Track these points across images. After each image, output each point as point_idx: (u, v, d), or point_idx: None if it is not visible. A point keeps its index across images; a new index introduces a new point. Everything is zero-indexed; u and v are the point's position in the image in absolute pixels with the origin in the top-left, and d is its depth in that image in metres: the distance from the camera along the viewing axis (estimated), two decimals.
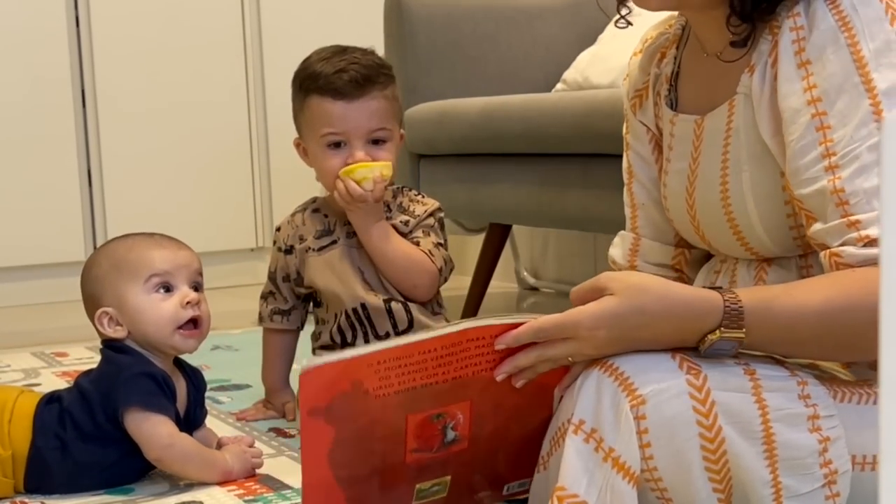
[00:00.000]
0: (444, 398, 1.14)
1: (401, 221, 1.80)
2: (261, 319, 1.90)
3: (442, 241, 1.83)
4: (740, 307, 1.07)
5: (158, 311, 1.49)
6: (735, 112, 1.24)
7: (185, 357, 1.57)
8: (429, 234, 1.82)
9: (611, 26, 2.52)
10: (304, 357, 1.39)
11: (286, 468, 1.58)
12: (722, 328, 1.06)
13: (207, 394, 1.62)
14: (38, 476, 1.49)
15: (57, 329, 2.72)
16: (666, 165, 1.37)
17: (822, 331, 1.08)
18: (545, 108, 2.17)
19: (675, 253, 1.42)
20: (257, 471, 1.56)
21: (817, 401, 1.10)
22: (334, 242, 1.82)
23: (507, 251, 3.09)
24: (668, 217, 1.38)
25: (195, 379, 1.58)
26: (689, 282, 1.40)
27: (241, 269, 3.39)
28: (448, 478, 1.22)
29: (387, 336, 1.75)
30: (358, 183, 1.71)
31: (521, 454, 1.23)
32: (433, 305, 1.83)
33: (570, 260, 3.21)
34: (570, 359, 1.10)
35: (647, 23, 1.44)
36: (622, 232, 1.46)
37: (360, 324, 1.78)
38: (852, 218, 1.10)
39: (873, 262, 1.07)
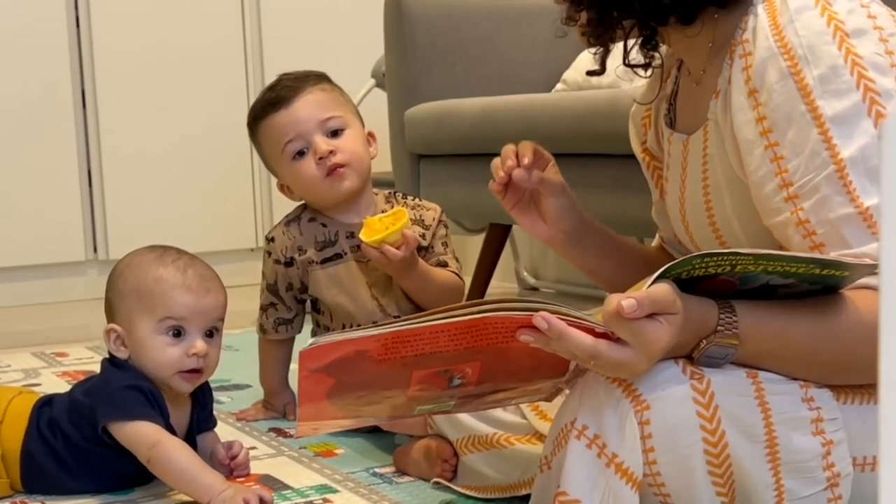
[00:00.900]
0: (453, 360, 1.12)
1: (419, 235, 1.78)
2: (264, 332, 1.88)
3: (453, 248, 1.84)
4: (734, 313, 1.06)
5: (162, 355, 1.46)
6: (709, 138, 1.24)
7: None
8: (446, 246, 1.83)
9: None
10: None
11: (286, 468, 1.58)
12: (717, 334, 1.05)
13: None
14: (33, 476, 1.49)
15: (57, 329, 2.72)
16: (664, 185, 1.38)
17: (814, 344, 1.07)
18: (545, 108, 2.16)
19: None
20: (257, 471, 1.56)
21: (821, 404, 1.09)
22: (339, 256, 1.80)
23: (507, 251, 3.09)
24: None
25: (200, 397, 1.55)
26: None
27: (241, 269, 3.38)
28: (452, 402, 1.20)
29: None
30: (392, 246, 1.67)
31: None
32: None
33: None
34: (592, 363, 1.05)
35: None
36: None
37: None
38: (822, 249, 1.10)
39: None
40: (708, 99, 1.24)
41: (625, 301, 0.99)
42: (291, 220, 1.85)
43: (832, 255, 1.08)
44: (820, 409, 1.09)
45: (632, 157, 1.50)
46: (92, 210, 3.36)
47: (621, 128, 1.50)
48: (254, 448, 1.68)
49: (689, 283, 1.04)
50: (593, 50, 1.31)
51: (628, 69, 1.31)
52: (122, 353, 1.49)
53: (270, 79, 3.52)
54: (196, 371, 1.48)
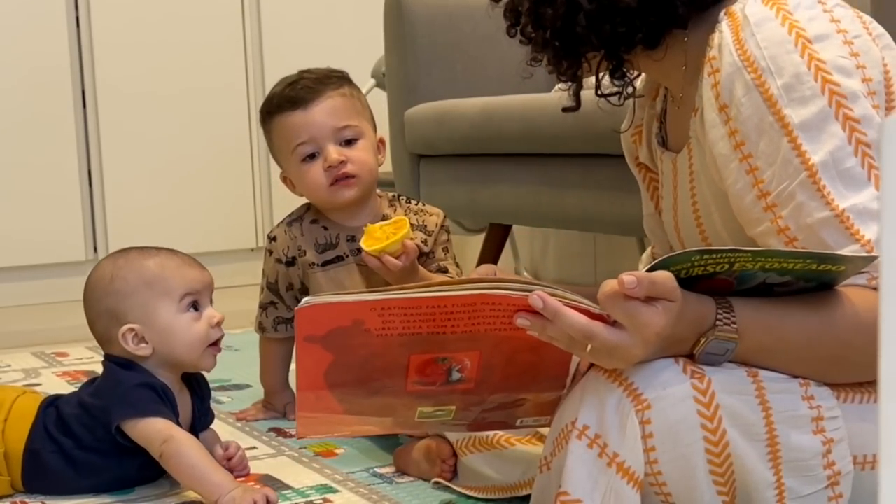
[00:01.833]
0: (452, 346, 1.11)
1: (421, 241, 1.79)
2: (263, 330, 1.89)
3: (454, 253, 1.84)
4: (731, 309, 1.06)
5: (191, 332, 1.49)
6: (693, 155, 1.26)
7: None
8: (447, 251, 1.83)
9: None
10: None
11: (286, 468, 1.58)
12: (716, 329, 1.05)
13: None
14: (35, 476, 1.49)
15: (57, 329, 2.72)
16: (660, 202, 1.39)
17: (811, 336, 1.08)
18: (545, 108, 2.16)
19: None
20: (257, 471, 1.56)
21: (821, 402, 1.09)
22: (340, 259, 1.81)
23: (507, 251, 3.09)
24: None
25: (199, 389, 1.57)
26: None
27: (241, 269, 3.38)
28: (453, 407, 1.20)
29: None
30: (392, 255, 1.67)
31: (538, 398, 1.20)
32: None
33: (570, 260, 3.21)
34: (588, 348, 1.04)
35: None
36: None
37: None
38: None
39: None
40: (689, 117, 1.25)
41: (626, 276, 0.99)
42: (294, 220, 1.85)
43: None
44: (820, 407, 1.09)
45: None
46: (92, 210, 3.36)
47: (621, 128, 1.50)
48: (254, 448, 1.68)
49: (686, 284, 1.04)
50: (565, 86, 1.32)
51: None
52: (144, 351, 1.49)
53: (271, 79, 3.54)
54: (217, 343, 1.52)
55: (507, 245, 3.07)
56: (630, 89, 1.33)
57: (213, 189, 3.46)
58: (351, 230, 1.80)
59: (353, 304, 1.06)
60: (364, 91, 3.15)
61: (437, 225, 1.83)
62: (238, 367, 2.23)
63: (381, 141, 1.85)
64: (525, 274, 3.35)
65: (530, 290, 1.04)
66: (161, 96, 3.38)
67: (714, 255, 1.03)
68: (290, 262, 1.83)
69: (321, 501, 1.44)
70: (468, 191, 2.47)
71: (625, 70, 1.29)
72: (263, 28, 3.50)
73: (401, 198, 1.87)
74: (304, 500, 1.45)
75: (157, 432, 1.43)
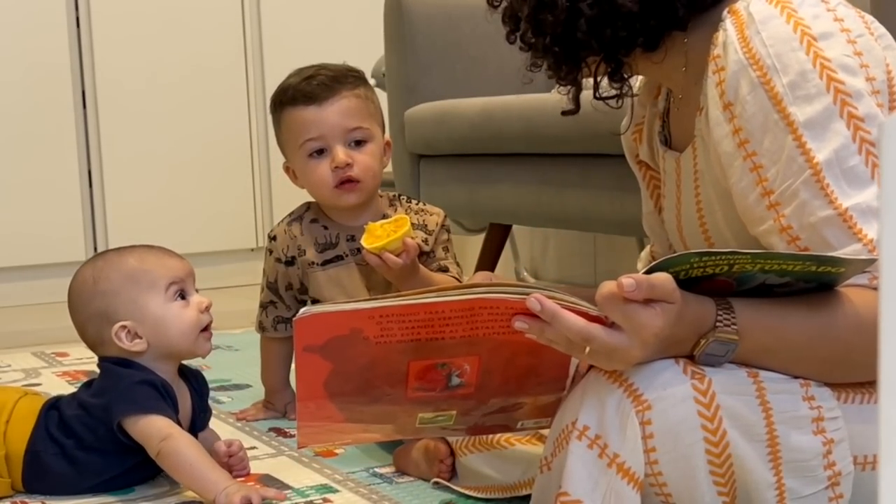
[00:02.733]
0: (451, 352, 1.11)
1: (421, 240, 1.78)
2: (263, 329, 1.89)
3: (454, 252, 1.84)
4: (732, 309, 1.06)
5: (183, 319, 1.50)
6: (697, 154, 1.25)
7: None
8: (447, 251, 1.82)
9: None
10: None
11: (286, 468, 1.58)
12: (716, 330, 1.05)
13: None
14: (36, 477, 1.49)
15: (57, 329, 2.71)
16: (661, 201, 1.39)
17: (811, 337, 1.07)
18: (545, 108, 2.16)
19: None
20: (258, 471, 1.56)
21: (822, 402, 1.09)
22: (339, 258, 1.80)
23: (507, 251, 3.09)
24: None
25: (197, 385, 1.57)
26: None
27: (241, 269, 3.38)
28: (454, 412, 1.20)
29: None
30: (393, 253, 1.66)
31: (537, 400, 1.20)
32: None
33: (570, 260, 3.21)
34: (586, 350, 1.04)
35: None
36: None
37: None
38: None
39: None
40: (694, 116, 1.25)
41: (625, 279, 0.99)
42: (294, 219, 1.85)
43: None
44: (821, 407, 1.09)
45: None
46: (92, 210, 3.36)
47: (621, 127, 1.50)
48: (254, 448, 1.68)
49: (686, 285, 1.04)
50: (564, 90, 1.32)
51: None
52: (138, 346, 1.49)
53: (271, 79, 3.55)
54: (209, 328, 1.53)
55: (507, 245, 3.07)
56: (627, 89, 1.33)
57: (214, 189, 3.46)
58: (351, 230, 1.79)
59: (351, 313, 1.06)
60: None
61: (437, 224, 1.83)
62: (238, 367, 2.23)
63: (388, 143, 1.84)
64: (525, 274, 3.34)
65: (528, 293, 1.04)
66: (161, 97, 3.38)
67: (713, 257, 1.02)
68: (290, 262, 1.83)
69: (321, 501, 1.44)
70: (468, 191, 2.47)
71: (623, 73, 1.29)
72: (263, 28, 3.50)
73: (401, 197, 1.87)
74: (304, 500, 1.45)
75: (156, 430, 1.43)
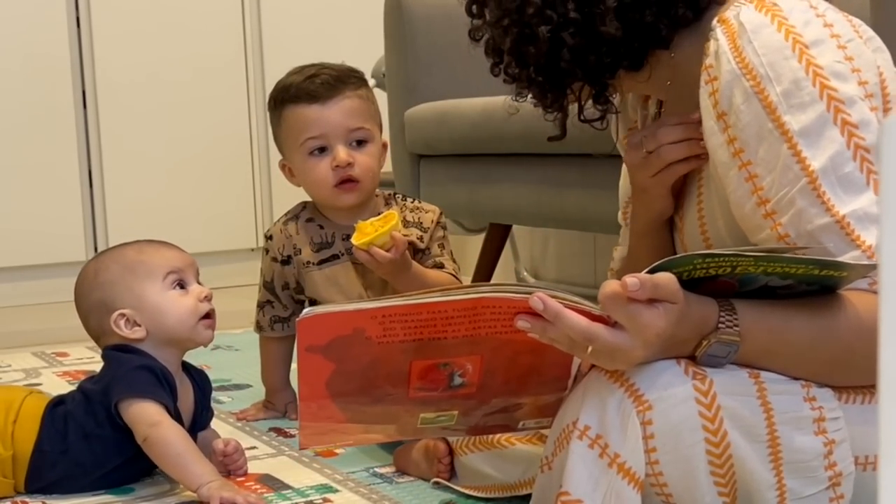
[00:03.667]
0: (453, 352, 1.11)
1: (416, 237, 1.79)
2: (260, 329, 1.89)
3: (450, 249, 1.84)
4: (734, 311, 1.06)
5: (180, 307, 1.52)
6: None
7: (186, 357, 1.57)
8: (443, 247, 1.82)
9: None
10: None
11: (286, 468, 1.58)
12: (718, 331, 1.05)
13: None
14: (39, 477, 1.49)
15: (57, 329, 2.72)
16: None
17: (814, 339, 1.07)
18: None
19: None
20: (258, 471, 1.56)
21: (823, 403, 1.09)
22: (335, 257, 1.81)
23: (507, 251, 3.09)
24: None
25: (201, 381, 1.58)
26: None
27: (241, 269, 3.38)
28: (455, 412, 1.20)
29: None
30: (382, 248, 1.67)
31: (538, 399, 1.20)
32: None
33: (570, 260, 3.21)
34: (589, 349, 1.04)
35: None
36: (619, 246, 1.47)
37: None
38: None
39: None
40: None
41: (629, 279, 0.99)
42: (290, 218, 1.85)
43: None
44: (822, 408, 1.09)
45: None
46: (92, 210, 3.36)
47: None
48: (254, 448, 1.68)
49: (688, 285, 1.04)
50: (550, 116, 1.32)
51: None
52: (138, 333, 1.50)
53: (271, 79, 3.54)
54: (209, 316, 1.54)
55: (507, 245, 3.07)
56: (612, 108, 1.32)
57: (214, 189, 3.46)
58: (347, 229, 1.79)
59: (354, 313, 1.06)
60: None
61: (432, 221, 1.83)
62: (238, 367, 2.23)
63: (384, 144, 1.85)
64: (525, 274, 3.35)
65: (530, 293, 1.04)
66: (161, 96, 3.38)
67: (716, 259, 1.02)
68: (286, 261, 1.83)
69: (321, 501, 1.44)
70: (468, 191, 2.47)
71: (608, 95, 1.28)
72: (263, 28, 3.50)
73: (397, 196, 1.87)
74: (304, 500, 1.45)
75: (147, 416, 1.44)
